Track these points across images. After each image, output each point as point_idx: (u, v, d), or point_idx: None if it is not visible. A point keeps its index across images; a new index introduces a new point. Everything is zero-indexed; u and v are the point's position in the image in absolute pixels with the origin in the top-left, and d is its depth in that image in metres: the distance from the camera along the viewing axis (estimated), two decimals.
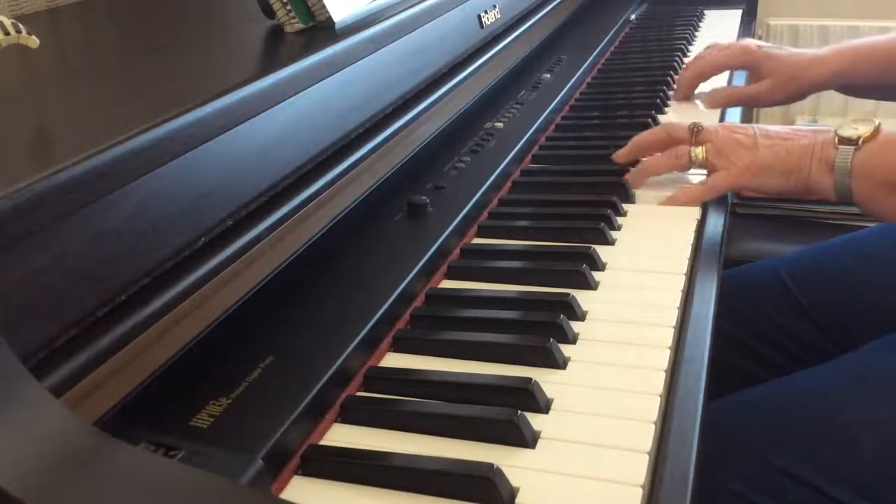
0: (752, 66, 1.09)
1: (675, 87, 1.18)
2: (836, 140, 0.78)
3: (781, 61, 1.06)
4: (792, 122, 1.88)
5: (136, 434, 0.45)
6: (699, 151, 0.84)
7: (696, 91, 1.16)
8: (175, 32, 0.91)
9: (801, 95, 1.08)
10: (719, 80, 1.18)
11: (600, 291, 0.69)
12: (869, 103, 1.71)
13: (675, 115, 1.10)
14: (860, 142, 0.77)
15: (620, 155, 0.91)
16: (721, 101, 1.11)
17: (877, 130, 0.77)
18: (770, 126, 0.87)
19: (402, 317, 0.64)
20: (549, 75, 1.19)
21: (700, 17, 1.64)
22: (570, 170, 0.93)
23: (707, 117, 1.04)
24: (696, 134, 0.86)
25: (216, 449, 0.45)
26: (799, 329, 0.96)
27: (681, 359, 0.60)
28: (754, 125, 0.87)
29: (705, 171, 0.86)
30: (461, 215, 0.76)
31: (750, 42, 1.11)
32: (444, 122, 0.90)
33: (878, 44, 1.03)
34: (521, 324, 0.63)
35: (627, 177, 0.88)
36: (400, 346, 0.62)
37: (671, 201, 0.85)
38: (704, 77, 1.15)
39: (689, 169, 0.87)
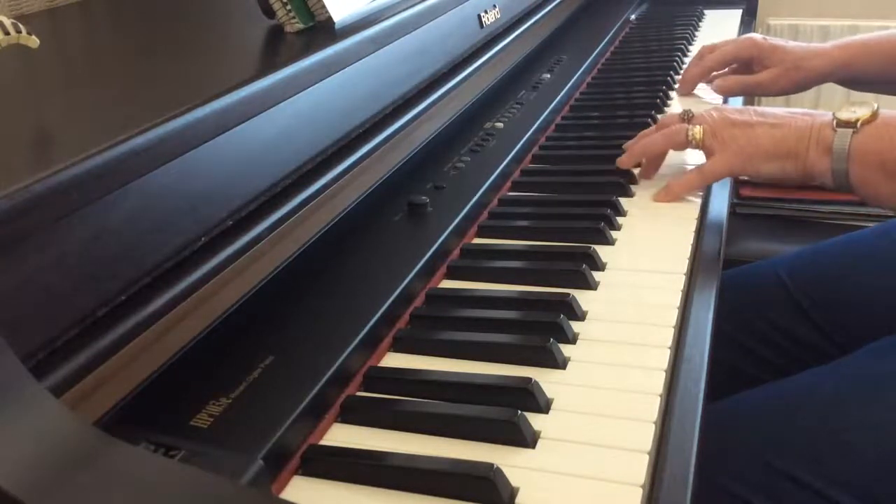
0: (760, 58, 1.11)
1: (679, 81, 1.20)
2: (834, 123, 0.77)
3: (786, 51, 1.09)
4: None
5: (136, 434, 0.45)
6: (696, 130, 0.84)
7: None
8: (175, 32, 0.91)
9: (804, 85, 1.11)
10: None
11: (600, 291, 0.69)
12: (870, 94, 1.71)
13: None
14: (858, 124, 0.76)
15: (623, 161, 0.90)
16: (728, 89, 1.13)
17: (875, 114, 0.76)
18: (767, 108, 0.86)
19: (402, 317, 0.64)
20: (549, 75, 1.19)
21: (700, 17, 1.64)
22: (570, 170, 0.93)
23: None
24: (688, 120, 0.86)
25: (216, 449, 0.45)
26: (798, 330, 0.96)
27: (681, 359, 0.60)
28: (751, 107, 0.87)
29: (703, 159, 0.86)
30: (461, 215, 0.76)
31: (756, 35, 1.14)
32: (444, 122, 0.90)
33: (884, 38, 1.05)
34: (521, 324, 0.63)
35: (620, 159, 0.88)
36: (400, 346, 0.62)
37: (666, 195, 0.84)
38: (715, 69, 1.17)
39: (685, 148, 0.86)
